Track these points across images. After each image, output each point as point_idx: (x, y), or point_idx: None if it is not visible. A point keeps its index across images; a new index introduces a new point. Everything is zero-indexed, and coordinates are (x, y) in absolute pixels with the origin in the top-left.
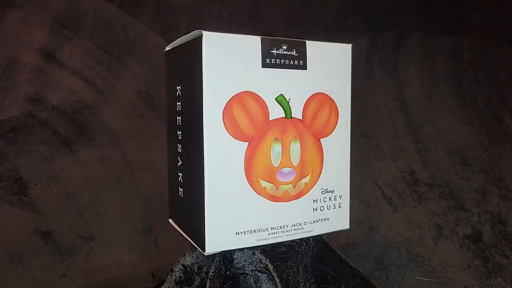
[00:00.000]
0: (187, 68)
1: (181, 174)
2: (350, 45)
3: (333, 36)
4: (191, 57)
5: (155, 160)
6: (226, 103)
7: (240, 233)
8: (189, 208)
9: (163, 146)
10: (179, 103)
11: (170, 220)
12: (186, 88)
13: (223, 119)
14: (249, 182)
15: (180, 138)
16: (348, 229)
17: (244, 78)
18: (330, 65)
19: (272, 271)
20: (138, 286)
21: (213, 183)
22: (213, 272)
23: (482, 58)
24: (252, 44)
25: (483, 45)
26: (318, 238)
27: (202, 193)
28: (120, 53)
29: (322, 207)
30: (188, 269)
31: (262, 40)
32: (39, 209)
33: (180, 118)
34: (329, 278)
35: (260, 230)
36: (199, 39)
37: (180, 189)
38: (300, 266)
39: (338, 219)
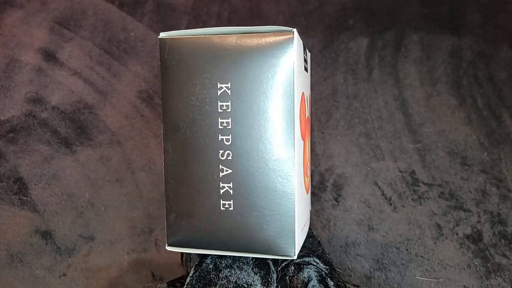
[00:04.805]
0: (257, 66)
1: (229, 185)
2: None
3: (333, 36)
4: (266, 55)
5: (155, 160)
6: (300, 104)
7: (302, 229)
8: (251, 219)
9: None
10: (227, 104)
11: (170, 248)
12: (247, 88)
13: (300, 120)
14: (303, 179)
15: (228, 143)
16: (348, 229)
17: (301, 79)
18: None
19: (318, 261)
20: (138, 286)
21: (296, 187)
22: (264, 280)
23: (482, 58)
24: (301, 46)
25: (483, 45)
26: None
27: (289, 199)
28: (120, 53)
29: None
30: None
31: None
32: (39, 209)
33: (229, 120)
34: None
35: (306, 223)
36: (287, 38)
37: (225, 202)
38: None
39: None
